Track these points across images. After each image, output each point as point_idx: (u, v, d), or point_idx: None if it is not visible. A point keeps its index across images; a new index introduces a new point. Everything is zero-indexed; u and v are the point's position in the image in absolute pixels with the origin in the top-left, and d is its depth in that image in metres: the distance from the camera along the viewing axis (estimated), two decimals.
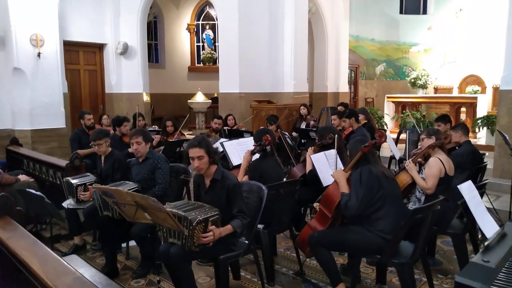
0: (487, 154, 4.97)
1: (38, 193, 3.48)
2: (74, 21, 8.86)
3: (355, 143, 3.17)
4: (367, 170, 2.92)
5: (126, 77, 9.81)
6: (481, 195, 3.48)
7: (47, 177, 5.08)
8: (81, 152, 5.55)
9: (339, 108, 7.63)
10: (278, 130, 6.35)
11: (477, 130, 8.91)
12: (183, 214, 2.54)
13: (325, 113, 9.48)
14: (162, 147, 5.65)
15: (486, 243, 2.09)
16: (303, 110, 7.88)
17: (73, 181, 3.88)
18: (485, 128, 8.52)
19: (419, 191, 3.62)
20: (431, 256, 3.85)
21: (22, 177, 4.62)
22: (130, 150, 3.94)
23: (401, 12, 14.97)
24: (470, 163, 4.25)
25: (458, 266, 3.50)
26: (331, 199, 3.11)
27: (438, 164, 3.49)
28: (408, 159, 3.75)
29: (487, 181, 3.82)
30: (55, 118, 7.76)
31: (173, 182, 4.09)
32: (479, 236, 2.22)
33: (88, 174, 4.16)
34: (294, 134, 7.17)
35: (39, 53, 7.47)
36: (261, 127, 4.52)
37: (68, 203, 3.95)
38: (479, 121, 8.64)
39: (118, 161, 4.08)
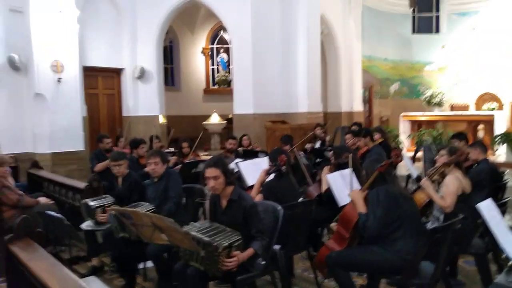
0: (507, 171, 4.85)
1: (57, 215, 3.52)
2: (93, 47, 9.12)
3: (371, 162, 3.15)
4: (384, 190, 2.90)
5: (143, 100, 9.99)
6: (503, 214, 3.40)
7: (67, 199, 5.15)
8: (98, 168, 5.67)
9: (352, 128, 7.60)
10: (293, 150, 6.34)
11: (495, 147, 8.74)
12: (208, 239, 2.52)
13: (339, 133, 9.46)
14: (179, 166, 5.69)
15: (510, 263, 2.03)
16: (318, 131, 7.86)
17: (91, 203, 3.92)
18: (504, 145, 8.36)
19: (437, 210, 3.55)
20: (453, 276, 3.73)
21: (42, 199, 4.69)
22: (147, 169, 3.98)
23: (413, 32, 15.01)
24: (488, 181, 4.16)
25: (482, 287, 3.39)
26: (348, 219, 3.08)
27: (455, 182, 3.43)
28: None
29: (508, 199, 3.73)
30: (75, 141, 7.91)
31: (189, 203, 4.10)
32: (503, 255, 2.16)
33: (106, 196, 4.20)
34: (308, 145, 7.24)
35: (59, 78, 7.69)
36: (276, 147, 4.53)
37: (86, 224, 3.98)
38: (497, 138, 8.50)
39: (135, 182, 4.12)
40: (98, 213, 3.84)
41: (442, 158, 3.66)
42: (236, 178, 3.10)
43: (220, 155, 3.26)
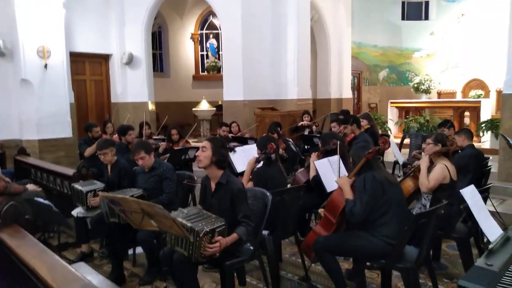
0: (491, 158, 4.95)
1: (46, 202, 3.51)
2: (80, 32, 8.97)
3: (358, 149, 3.19)
4: (371, 176, 2.94)
5: (131, 87, 9.89)
6: (485, 199, 3.49)
7: (55, 186, 5.13)
8: (88, 152, 5.67)
9: (340, 116, 7.66)
10: (281, 138, 6.37)
11: (481, 134, 8.87)
12: (190, 225, 2.55)
13: (328, 120, 9.51)
14: (167, 155, 5.69)
15: (489, 247, 2.10)
16: (306, 118, 7.92)
17: (83, 188, 3.91)
18: (489, 132, 8.49)
19: (424, 198, 3.63)
20: (437, 260, 3.83)
21: (30, 187, 4.66)
22: (140, 163, 3.97)
23: (403, 18, 15.01)
24: (473, 166, 4.24)
25: (463, 270, 3.49)
26: (335, 205, 3.12)
27: (443, 171, 3.52)
28: (410, 160, 3.77)
29: (491, 185, 3.81)
30: (62, 128, 7.82)
31: (178, 189, 4.12)
32: (484, 240, 2.23)
33: (95, 181, 4.21)
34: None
35: (46, 64, 7.56)
36: (264, 135, 4.56)
37: (78, 211, 3.98)
38: (483, 125, 8.62)
39: (124, 169, 4.11)
40: (90, 197, 3.85)
41: (428, 146, 3.72)
42: (226, 163, 3.11)
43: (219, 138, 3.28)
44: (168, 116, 8.46)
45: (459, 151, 4.46)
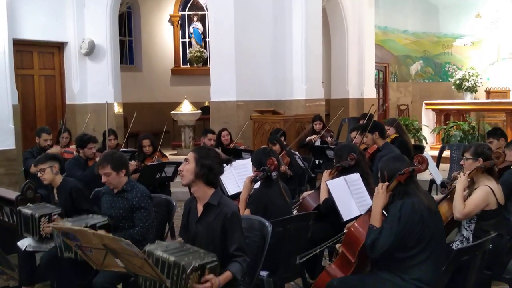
0: None
1: None
2: (26, 15, 9.00)
3: (390, 161, 3.23)
4: (410, 205, 2.98)
5: (92, 84, 9.91)
6: None
7: None
8: (33, 169, 5.69)
9: (361, 122, 7.69)
10: (285, 151, 6.39)
11: None
12: (174, 259, 2.57)
13: (346, 126, 9.56)
14: (137, 175, 5.69)
15: None
16: (318, 126, 7.95)
17: (34, 212, 3.89)
18: None
19: (465, 228, 3.65)
20: None
21: None
22: (102, 180, 3.99)
23: None
24: None
25: None
26: (356, 239, 3.15)
27: (486, 196, 3.55)
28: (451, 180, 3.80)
29: None
30: (2, 138, 7.80)
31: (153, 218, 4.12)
32: None
33: (48, 204, 4.21)
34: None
35: None
36: (262, 147, 4.60)
37: (27, 244, 3.97)
38: None
39: (76, 190, 4.14)
40: (43, 224, 3.83)
41: (467, 162, 3.76)
42: (217, 179, 3.15)
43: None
44: (139, 121, 8.47)
45: (511, 167, 4.50)
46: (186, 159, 3.04)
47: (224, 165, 3.18)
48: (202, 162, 2.98)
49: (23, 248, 3.98)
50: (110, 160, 3.81)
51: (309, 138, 7.91)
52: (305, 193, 4.67)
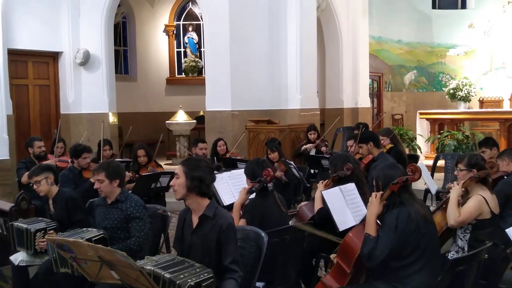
0: None
1: None
2: (21, 25, 8.99)
3: (386, 169, 3.25)
4: (406, 215, 2.99)
5: (87, 94, 9.90)
6: None
7: None
8: (25, 179, 5.66)
9: (355, 131, 7.72)
10: (281, 159, 6.41)
11: None
12: (169, 276, 2.54)
13: (341, 135, 9.59)
14: (132, 185, 5.68)
15: None
16: (313, 135, 7.98)
17: (30, 227, 3.88)
18: None
19: (461, 239, 3.67)
20: None
21: None
22: (95, 186, 3.98)
23: (434, 7, 15.28)
24: None
25: None
26: (351, 249, 3.15)
27: (480, 205, 3.57)
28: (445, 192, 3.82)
29: None
30: None
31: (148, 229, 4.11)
32: None
33: (40, 218, 4.19)
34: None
35: None
36: (256, 158, 4.59)
37: (20, 258, 3.94)
38: None
39: (72, 200, 4.12)
40: (39, 239, 3.81)
41: (461, 173, 3.79)
42: (210, 189, 3.14)
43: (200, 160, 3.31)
44: (134, 131, 8.46)
45: (505, 177, 4.53)
46: (176, 174, 3.02)
47: (216, 172, 3.17)
48: (192, 175, 2.97)
49: (16, 263, 3.95)
50: (105, 167, 3.82)
51: (304, 146, 7.93)
52: (302, 204, 4.67)
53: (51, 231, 3.86)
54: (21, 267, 3.98)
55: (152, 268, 2.56)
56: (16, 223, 4.01)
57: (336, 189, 4.10)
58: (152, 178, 5.88)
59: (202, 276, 2.63)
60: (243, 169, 5.15)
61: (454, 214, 3.57)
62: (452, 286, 2.89)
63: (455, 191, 3.67)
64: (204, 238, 2.96)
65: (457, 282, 2.88)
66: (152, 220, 4.11)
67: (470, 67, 15.08)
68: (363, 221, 3.23)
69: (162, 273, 2.55)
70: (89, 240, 3.45)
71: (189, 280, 2.55)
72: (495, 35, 14.65)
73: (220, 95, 9.54)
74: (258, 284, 3.36)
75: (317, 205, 4.15)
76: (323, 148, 7.69)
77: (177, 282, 2.51)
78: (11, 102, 8.54)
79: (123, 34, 13.50)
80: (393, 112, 14.88)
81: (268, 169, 3.91)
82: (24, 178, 5.96)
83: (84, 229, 3.68)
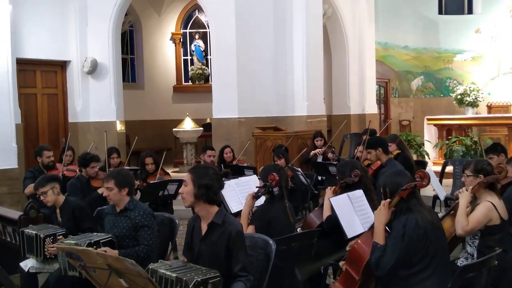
0: None
1: None
2: (30, 33, 9.08)
3: (392, 176, 3.25)
4: (414, 221, 2.98)
5: (94, 102, 9.96)
6: None
7: None
8: (29, 190, 5.68)
9: (363, 137, 7.71)
10: (289, 166, 6.41)
11: None
12: (176, 275, 2.57)
13: (348, 142, 9.57)
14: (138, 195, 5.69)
15: None
16: (319, 142, 7.98)
17: (39, 233, 3.90)
18: None
19: (470, 245, 3.64)
20: None
21: None
22: (104, 194, 4.00)
23: (440, 13, 15.27)
24: None
25: None
26: (360, 257, 3.14)
27: (488, 212, 3.55)
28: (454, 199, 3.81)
29: None
30: (5, 157, 7.84)
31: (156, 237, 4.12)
32: None
33: (50, 225, 4.22)
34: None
35: None
36: (273, 163, 4.61)
37: (30, 265, 3.96)
38: None
39: (79, 208, 4.14)
40: (48, 245, 3.83)
41: (468, 179, 3.77)
42: (219, 196, 3.15)
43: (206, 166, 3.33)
44: (141, 138, 8.49)
45: None
46: (184, 181, 3.06)
47: (224, 178, 3.19)
48: (199, 183, 2.99)
49: (26, 269, 3.97)
50: (115, 175, 3.85)
51: (313, 152, 7.93)
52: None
53: (60, 237, 3.88)
54: (30, 274, 4.00)
55: (162, 272, 2.58)
56: (26, 230, 4.03)
57: (344, 196, 4.10)
58: (159, 186, 5.89)
59: (208, 274, 2.67)
60: (250, 176, 5.18)
61: (462, 223, 3.55)
62: None
63: (464, 197, 3.65)
64: (213, 246, 2.96)
65: None
66: (160, 228, 4.13)
67: (477, 72, 15.03)
68: (372, 228, 3.23)
69: (169, 273, 2.60)
70: (97, 242, 3.48)
71: (196, 277, 2.59)
72: (502, 40, 14.61)
73: (226, 102, 9.57)
74: None
75: (326, 212, 4.15)
76: (330, 155, 7.67)
77: (184, 279, 2.55)
78: (20, 111, 8.61)
79: (130, 43, 13.57)
80: (401, 118, 14.85)
81: (274, 173, 3.90)
82: (28, 190, 5.98)
83: (94, 233, 3.71)
